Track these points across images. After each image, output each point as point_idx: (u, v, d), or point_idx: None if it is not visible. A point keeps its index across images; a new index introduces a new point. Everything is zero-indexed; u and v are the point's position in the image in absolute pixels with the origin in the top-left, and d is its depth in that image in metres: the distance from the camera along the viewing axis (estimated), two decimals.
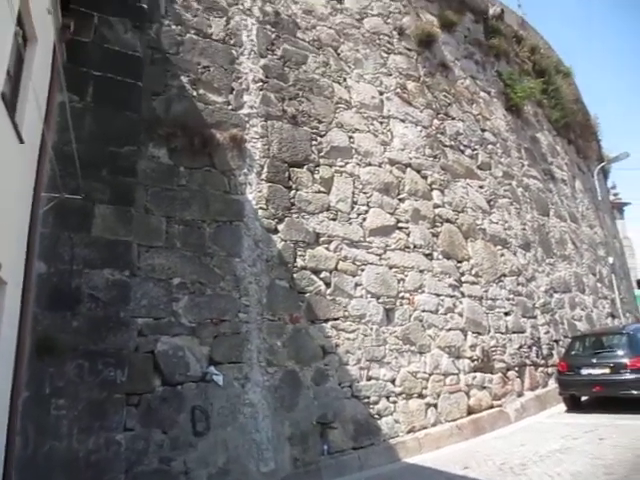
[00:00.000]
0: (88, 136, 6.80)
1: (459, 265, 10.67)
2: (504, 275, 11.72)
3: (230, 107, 8.33)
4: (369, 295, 8.97)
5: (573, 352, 11.61)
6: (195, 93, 8.08)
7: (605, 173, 27.02)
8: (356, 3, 10.68)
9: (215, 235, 7.63)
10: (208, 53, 8.41)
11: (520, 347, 11.47)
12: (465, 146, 11.93)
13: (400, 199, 10.01)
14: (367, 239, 9.24)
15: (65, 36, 6.98)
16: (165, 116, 7.70)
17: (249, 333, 7.49)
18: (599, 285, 17.25)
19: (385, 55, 10.81)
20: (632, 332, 11.36)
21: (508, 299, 11.62)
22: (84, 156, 6.40)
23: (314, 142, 9.04)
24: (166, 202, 7.39)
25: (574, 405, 11.10)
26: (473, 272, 10.91)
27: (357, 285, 8.87)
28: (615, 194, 46.14)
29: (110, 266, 6.55)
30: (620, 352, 10.69)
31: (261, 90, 8.69)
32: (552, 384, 11.82)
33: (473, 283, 10.83)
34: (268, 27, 9.19)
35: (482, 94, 13.26)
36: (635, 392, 10.12)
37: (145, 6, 8.00)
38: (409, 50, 11.36)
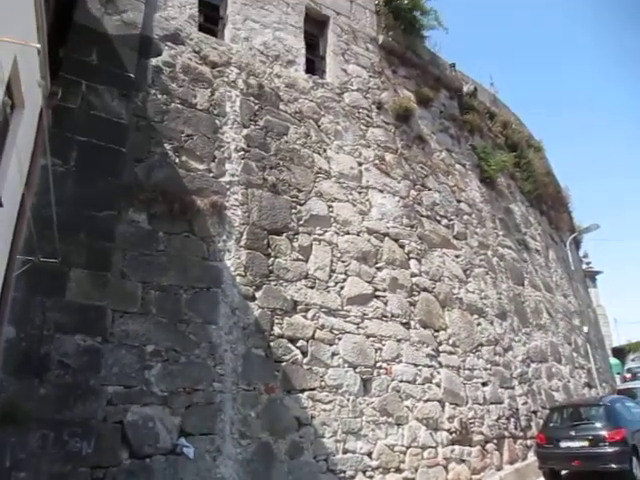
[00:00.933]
0: (68, 200, 6.83)
1: (436, 334, 10.67)
2: (481, 345, 11.72)
3: (211, 175, 8.46)
4: (346, 365, 8.87)
5: (551, 424, 11.47)
6: (177, 160, 8.21)
7: (577, 243, 27.74)
8: (337, 78, 11.14)
9: (192, 301, 7.56)
10: (192, 122, 8.62)
11: (498, 418, 11.32)
12: (441, 216, 12.20)
13: (378, 268, 10.10)
14: (345, 307, 9.23)
15: (52, 102, 7.12)
16: (146, 182, 7.78)
17: (223, 403, 7.31)
18: (575, 355, 17.30)
19: (364, 128, 11.18)
20: (609, 403, 11.33)
21: (485, 369, 11.57)
22: (63, 219, 6.39)
23: (294, 210, 9.17)
24: (143, 267, 7.34)
25: (554, 479, 10.88)
26: (450, 342, 10.89)
27: (334, 354, 8.78)
28: (587, 263, 47.09)
29: (82, 332, 6.43)
30: (598, 424, 10.60)
31: (243, 159, 8.87)
32: (532, 457, 11.60)
33: (450, 353, 10.79)
34: (252, 99, 9.49)
35: (457, 166, 13.69)
36: (615, 466, 9.96)
37: (133, 76, 8.23)
38: (387, 123, 11.77)
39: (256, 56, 9.98)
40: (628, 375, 30.77)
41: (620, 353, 54.60)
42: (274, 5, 10.89)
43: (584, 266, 40.10)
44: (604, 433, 10.22)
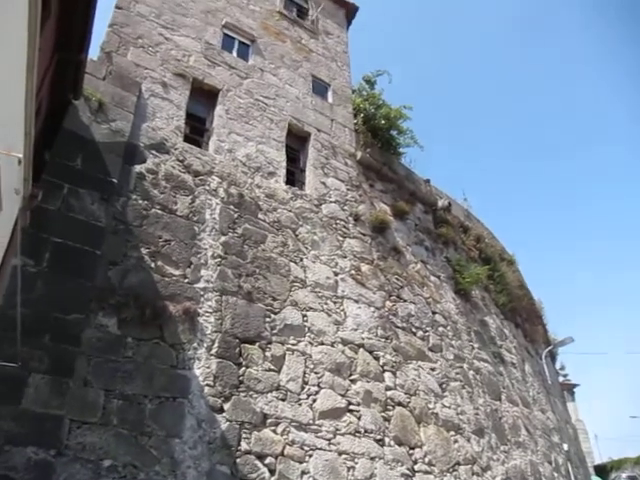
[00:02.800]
0: (37, 301, 6.72)
1: (412, 452, 10.21)
2: (458, 463, 11.21)
3: (186, 280, 8.41)
4: None
5: None
6: (153, 265, 8.19)
7: (553, 356, 27.65)
8: (316, 190, 11.51)
9: (156, 412, 7.21)
10: (171, 228, 8.71)
11: None
12: (417, 328, 12.14)
13: (352, 380, 9.84)
14: (317, 422, 8.86)
15: (32, 204, 7.17)
16: (119, 286, 7.70)
17: None
18: (556, 474, 16.63)
19: (341, 238, 11.40)
20: None
21: None
22: (28, 321, 6.25)
23: (268, 319, 9.06)
24: (108, 374, 7.07)
25: None
26: (426, 460, 10.41)
27: (304, 473, 8.29)
28: (564, 375, 46.77)
29: (35, 443, 6.06)
30: None
31: (219, 265, 8.89)
32: None
33: (426, 472, 10.28)
34: (231, 207, 9.70)
35: (432, 278, 13.86)
36: None
37: (115, 181, 8.42)
38: (364, 235, 12.04)
39: (238, 167, 10.34)
40: None
41: (603, 471, 52.80)
42: (258, 120, 11.48)
43: (561, 379, 39.77)
44: None
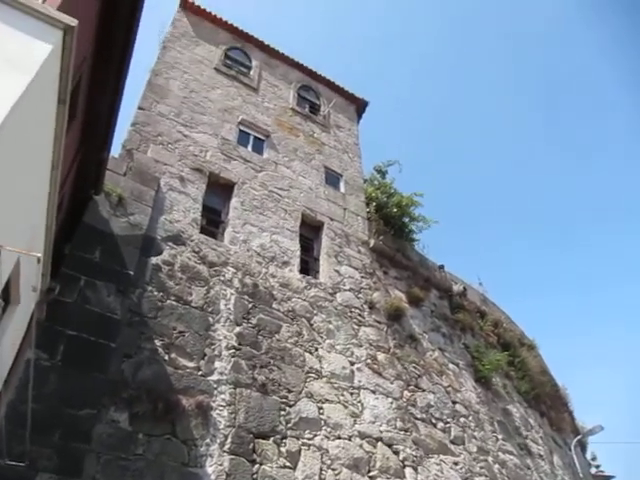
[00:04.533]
0: (48, 395, 6.64)
1: None
2: None
3: (200, 373, 8.29)
4: None
5: None
6: (167, 357, 8.11)
7: (583, 446, 26.25)
8: (330, 279, 11.55)
9: None
10: (185, 319, 8.70)
11: None
12: (437, 419, 11.69)
13: (371, 477, 9.35)
14: None
15: (49, 297, 7.27)
16: (132, 379, 7.60)
17: None
18: None
19: (356, 327, 11.28)
20: None
21: None
22: (39, 417, 6.16)
23: (282, 412, 8.80)
24: (118, 473, 6.82)
25: None
26: None
27: None
28: (597, 466, 44.03)
29: None
30: None
31: (233, 357, 8.78)
32: None
33: None
34: (246, 297, 9.72)
35: (451, 366, 13.51)
36: None
37: (132, 273, 8.53)
38: (379, 323, 11.90)
39: (253, 257, 10.47)
40: None
41: None
42: (272, 211, 11.75)
43: (593, 470, 37.42)
44: None
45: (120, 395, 7.38)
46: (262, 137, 13.58)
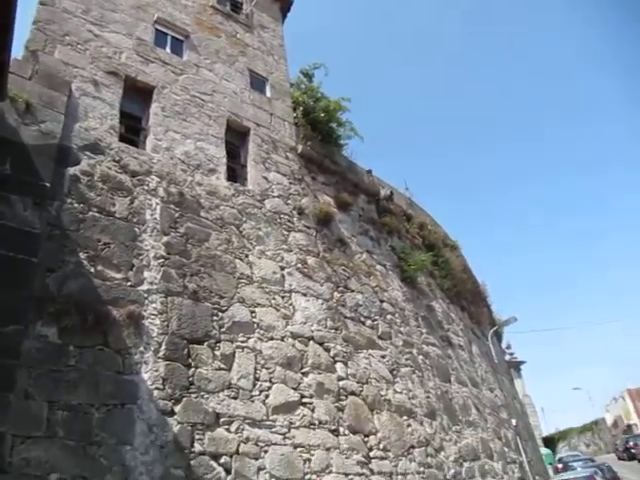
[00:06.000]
0: None
1: (366, 439, 10.36)
2: (412, 447, 11.47)
3: (129, 283, 8.20)
4: (273, 479, 8.38)
5: None
6: (93, 270, 7.93)
7: (498, 336, 28.62)
8: (258, 186, 11.43)
9: (104, 420, 7.01)
10: (109, 230, 8.45)
11: None
12: (365, 317, 12.30)
13: (303, 373, 9.88)
14: (270, 417, 8.86)
15: None
16: (58, 293, 7.42)
17: None
18: (506, 449, 17.26)
19: (286, 233, 11.38)
20: None
21: (419, 472, 11.25)
22: None
23: (215, 318, 8.96)
24: (51, 385, 6.81)
25: None
26: (381, 446, 10.60)
27: (260, 469, 8.28)
28: (511, 354, 48.57)
29: None
30: None
31: (162, 266, 8.71)
32: None
33: (382, 458, 10.46)
34: (172, 206, 9.51)
35: (378, 267, 14.06)
36: None
37: (48, 185, 8.09)
38: (308, 228, 12.06)
39: (177, 165, 10.14)
40: (560, 465, 30.86)
41: (550, 442, 55.41)
42: (196, 117, 11.29)
43: (507, 357, 41.23)
44: None
45: (47, 310, 7.23)
46: (181, 37, 12.73)
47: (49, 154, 8.42)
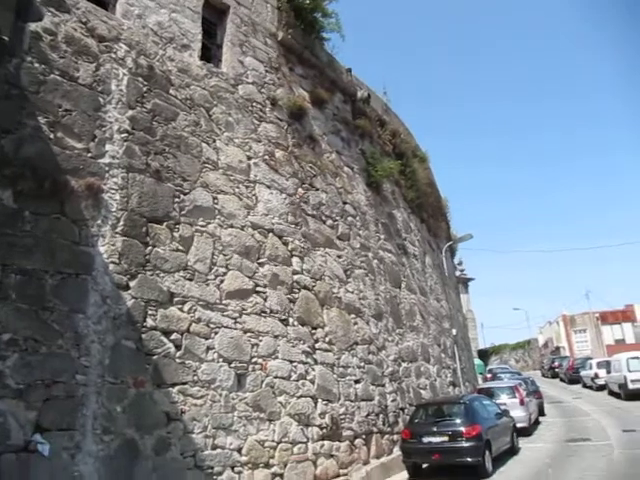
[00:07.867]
0: None
1: (314, 332, 10.84)
2: (356, 343, 12.09)
3: (90, 154, 7.93)
4: (221, 359, 8.75)
5: (416, 420, 12.16)
6: (52, 136, 7.60)
7: (452, 251, 29.57)
8: (232, 69, 10.92)
9: (58, 288, 7.04)
10: (72, 97, 8.02)
11: (368, 415, 11.76)
12: (327, 216, 12.41)
13: (260, 263, 10.06)
14: (223, 302, 9.10)
15: None
16: (14, 156, 7.13)
17: (86, 397, 6.89)
18: (443, 355, 18.43)
19: (256, 122, 11.07)
20: (469, 401, 12.23)
21: (359, 367, 11.96)
22: None
23: (177, 199, 8.86)
24: (4, 248, 6.72)
25: (416, 473, 11.52)
26: (327, 339, 11.13)
27: (209, 349, 8.62)
28: (461, 270, 50.62)
29: None
30: (457, 420, 11.42)
31: (125, 141, 8.42)
32: (397, 451, 12.19)
33: (326, 350, 11.02)
34: (140, 79, 9.03)
35: (346, 169, 14.01)
36: (470, 459, 10.77)
37: (6, 39, 7.53)
38: (280, 120, 11.75)
39: (149, 35, 9.53)
40: (489, 375, 33.34)
41: (484, 355, 59.37)
42: None
43: (458, 273, 42.94)
44: (461, 429, 11.02)
45: (2, 172, 6.98)
46: None
47: (8, 5, 7.75)
